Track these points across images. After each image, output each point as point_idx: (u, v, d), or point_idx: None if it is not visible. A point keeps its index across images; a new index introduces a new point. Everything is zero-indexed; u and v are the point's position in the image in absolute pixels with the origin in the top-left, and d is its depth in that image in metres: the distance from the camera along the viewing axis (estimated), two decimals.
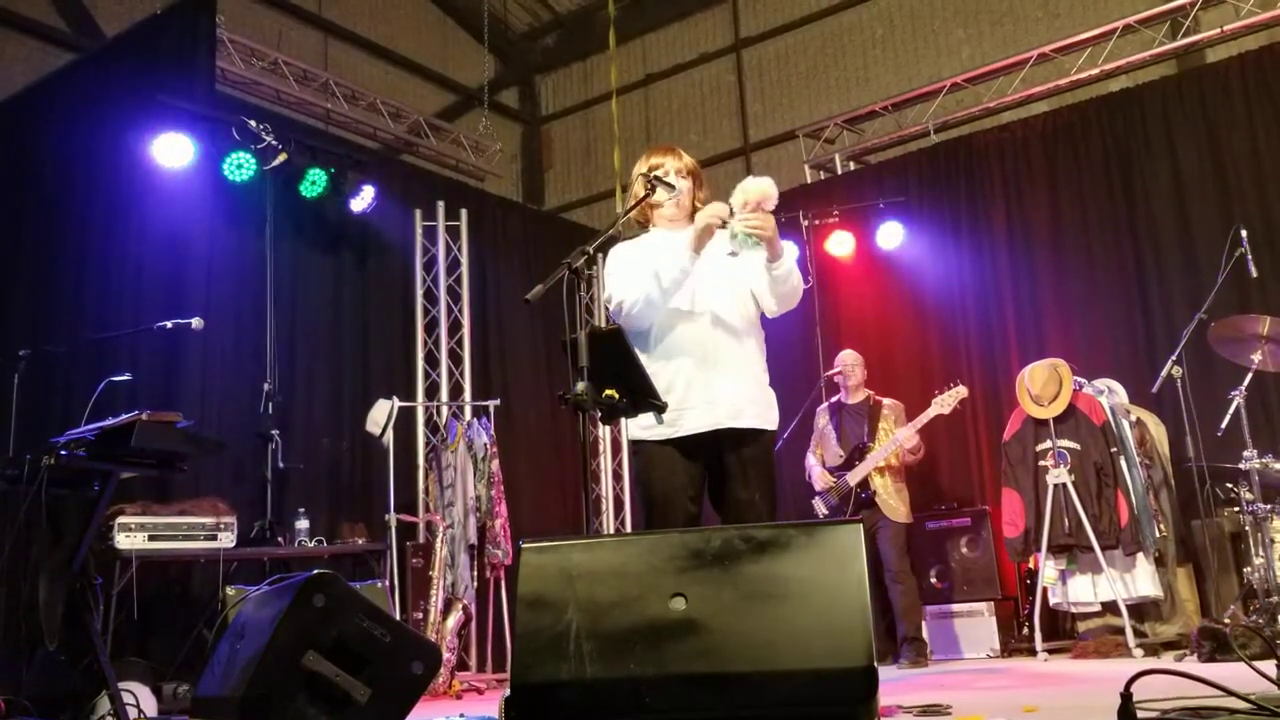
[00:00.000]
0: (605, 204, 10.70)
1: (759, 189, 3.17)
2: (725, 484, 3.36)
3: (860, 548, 2.35)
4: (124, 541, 5.21)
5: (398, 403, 6.70)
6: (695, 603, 2.34)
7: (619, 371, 3.04)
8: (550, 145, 11.57)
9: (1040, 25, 8.70)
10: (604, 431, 8.86)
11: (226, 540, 5.59)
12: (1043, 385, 6.24)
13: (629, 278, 3.32)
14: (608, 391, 3.05)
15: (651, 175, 3.44)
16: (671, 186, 3.43)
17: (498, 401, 7.31)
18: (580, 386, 2.89)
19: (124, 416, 4.09)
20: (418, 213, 7.76)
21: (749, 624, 2.29)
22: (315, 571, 3.05)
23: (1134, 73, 7.95)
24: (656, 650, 2.30)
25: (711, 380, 3.28)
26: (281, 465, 6.30)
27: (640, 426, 3.39)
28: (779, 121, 10.09)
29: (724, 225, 3.21)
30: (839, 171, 9.07)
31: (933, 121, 8.63)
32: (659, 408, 3.17)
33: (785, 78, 10.15)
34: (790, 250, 3.38)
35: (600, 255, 3.86)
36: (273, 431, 6.36)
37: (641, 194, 3.42)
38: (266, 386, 6.50)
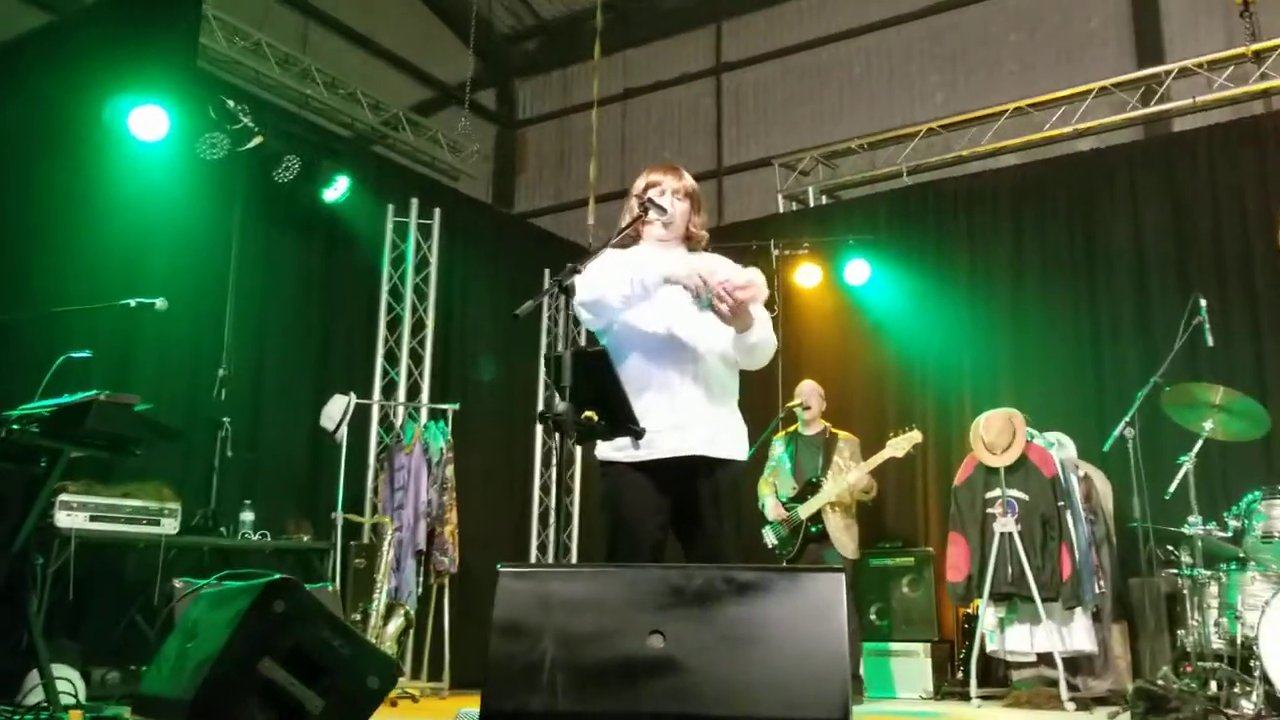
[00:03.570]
0: (575, 213, 10.66)
1: (748, 278, 3.14)
2: (697, 513, 3.29)
3: (842, 598, 2.35)
4: (64, 520, 5.07)
5: (354, 399, 6.60)
6: (673, 641, 2.31)
7: (600, 393, 3.00)
8: (524, 150, 11.52)
9: (1014, 79, 8.85)
10: (557, 441, 8.82)
11: (169, 526, 5.46)
12: (997, 433, 6.31)
13: (603, 273, 3.26)
14: (587, 413, 3.02)
15: (646, 197, 3.39)
16: (663, 209, 3.38)
17: (457, 406, 7.22)
18: (562, 406, 2.85)
19: (81, 395, 3.98)
20: (390, 207, 7.67)
21: (727, 666, 2.27)
22: (277, 576, 2.98)
23: (1104, 134, 8.11)
24: (631, 687, 2.27)
25: (688, 406, 3.23)
26: (230, 453, 6.17)
27: (613, 447, 3.32)
28: (753, 148, 10.14)
29: (696, 295, 3.16)
30: (811, 204, 9.13)
31: (905, 164, 8.72)
32: (636, 433, 3.12)
33: (762, 105, 10.21)
34: (763, 320, 3.23)
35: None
36: (224, 419, 6.23)
37: (634, 216, 3.36)
38: (221, 372, 6.38)
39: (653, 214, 3.36)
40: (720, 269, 3.35)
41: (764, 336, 3.22)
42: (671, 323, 3.28)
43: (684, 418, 3.15)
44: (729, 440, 3.29)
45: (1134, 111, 7.91)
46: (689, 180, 3.45)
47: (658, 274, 3.17)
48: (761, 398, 7.62)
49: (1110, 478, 6.53)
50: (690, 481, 3.25)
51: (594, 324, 3.29)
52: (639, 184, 3.44)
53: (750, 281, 3.13)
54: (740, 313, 3.10)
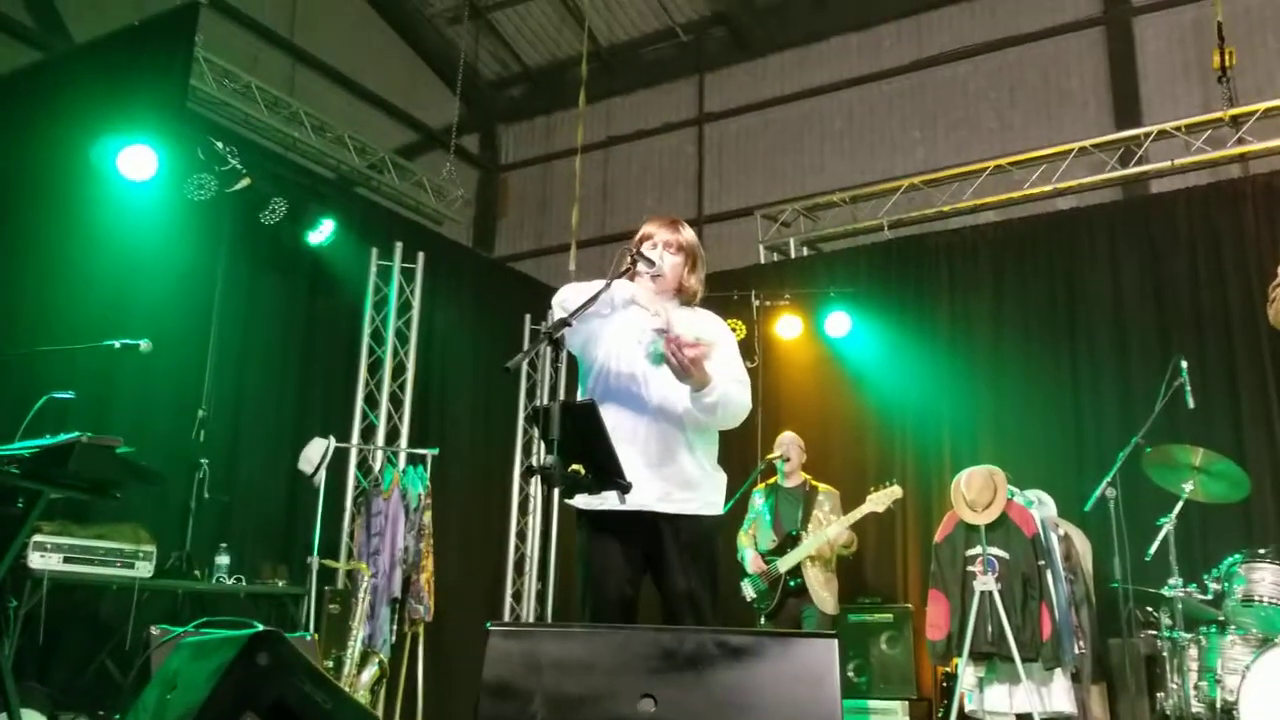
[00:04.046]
0: (556, 258, 10.70)
1: (706, 339, 3.15)
2: (663, 569, 3.29)
3: (834, 663, 2.35)
4: (38, 561, 5.00)
5: (333, 442, 6.57)
6: (665, 706, 2.31)
7: (587, 447, 3.01)
8: (506, 194, 11.58)
9: (994, 136, 8.99)
10: (534, 489, 8.79)
11: (144, 569, 5.40)
12: (978, 491, 6.33)
13: (581, 289, 3.27)
14: (574, 466, 3.02)
15: (637, 249, 3.42)
16: (651, 263, 3.39)
17: (436, 451, 7.20)
18: (549, 459, 2.86)
19: (64, 437, 3.94)
20: (374, 250, 7.69)
21: None
22: (261, 628, 2.95)
23: (1083, 193, 8.24)
24: None
25: (640, 460, 3.22)
26: (207, 495, 6.13)
27: (583, 497, 3.32)
28: (734, 198, 10.23)
29: (659, 332, 3.17)
30: (792, 255, 9.20)
31: (886, 217, 8.82)
32: (623, 487, 3.13)
33: (744, 156, 10.32)
34: (724, 384, 3.17)
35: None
36: (202, 460, 6.19)
37: (622, 267, 3.37)
38: (201, 413, 6.34)
39: (641, 266, 3.37)
40: (705, 326, 3.38)
41: (724, 397, 3.18)
42: (637, 372, 3.29)
43: (637, 472, 3.14)
44: (692, 495, 3.27)
45: (1113, 172, 8.04)
46: (686, 235, 3.46)
47: (626, 294, 3.19)
48: (741, 449, 7.63)
49: (1090, 537, 6.56)
50: (655, 536, 3.24)
51: (572, 336, 3.30)
52: (635, 237, 3.47)
53: (698, 340, 3.13)
54: (691, 370, 3.10)
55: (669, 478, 3.24)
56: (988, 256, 7.91)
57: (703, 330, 3.30)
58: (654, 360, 3.21)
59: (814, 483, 6.92)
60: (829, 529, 6.57)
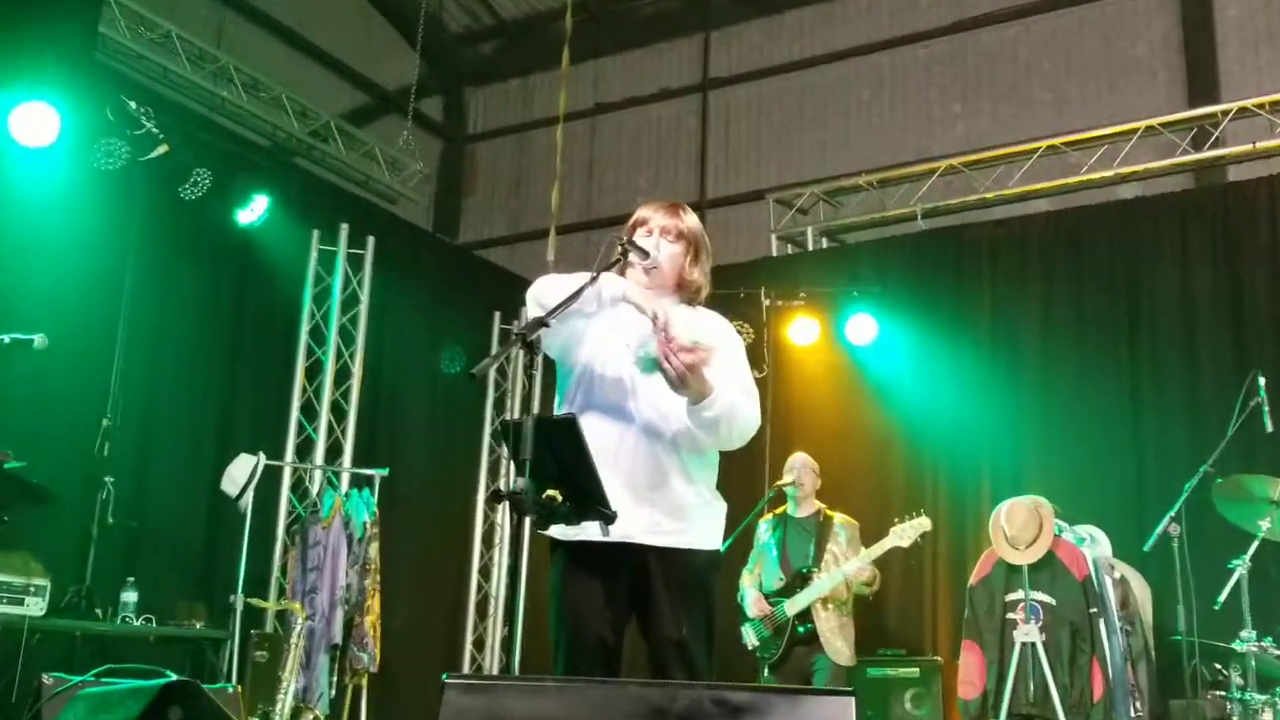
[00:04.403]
0: (532, 246, 10.72)
1: (706, 341, 3.15)
2: (649, 612, 3.28)
3: None
4: None
5: (263, 460, 6.56)
6: None
7: (566, 469, 3.02)
8: (474, 169, 11.59)
9: (1048, 111, 9.04)
10: (501, 517, 8.79)
11: (35, 607, 5.39)
12: (1021, 525, 6.35)
13: (561, 282, 3.26)
14: (550, 492, 3.03)
15: (628, 236, 3.41)
16: (645, 253, 3.38)
17: (385, 472, 7.20)
18: (520, 483, 2.87)
19: None
20: (315, 233, 7.70)
21: None
22: (173, 678, 2.95)
23: (1150, 180, 8.27)
24: None
25: (626, 484, 3.21)
26: (111, 520, 6.12)
27: (560, 526, 3.31)
28: (742, 178, 10.27)
29: (654, 326, 3.16)
30: (810, 247, 9.23)
31: (920, 205, 8.83)
32: (607, 517, 3.13)
33: (755, 130, 10.36)
34: (729, 396, 3.18)
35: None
36: (106, 478, 6.18)
37: (611, 258, 3.36)
38: (105, 422, 6.33)
39: (633, 256, 3.37)
40: (707, 328, 3.38)
41: (729, 411, 3.18)
42: (625, 381, 3.29)
43: (623, 499, 3.13)
44: (685, 527, 3.26)
45: (1185, 156, 8.07)
46: (688, 221, 3.45)
47: (616, 290, 3.19)
48: (745, 473, 7.64)
49: (1150, 581, 6.57)
50: (641, 574, 3.24)
51: (549, 338, 3.29)
52: (629, 223, 3.47)
53: (698, 343, 3.14)
54: (687, 379, 3.10)
55: (660, 506, 3.24)
56: (1037, 252, 7.94)
57: (704, 333, 3.30)
58: (644, 367, 3.21)
59: (829, 513, 6.93)
60: (846, 566, 6.58)
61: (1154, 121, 8.17)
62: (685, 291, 3.45)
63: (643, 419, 3.25)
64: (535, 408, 9.02)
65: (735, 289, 8.17)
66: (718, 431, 3.21)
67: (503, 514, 8.83)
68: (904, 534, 6.58)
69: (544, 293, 3.20)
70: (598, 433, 3.18)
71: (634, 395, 3.27)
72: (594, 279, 3.17)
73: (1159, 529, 5.48)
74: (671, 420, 3.24)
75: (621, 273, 3.35)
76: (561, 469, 2.97)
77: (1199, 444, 6.50)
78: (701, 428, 3.20)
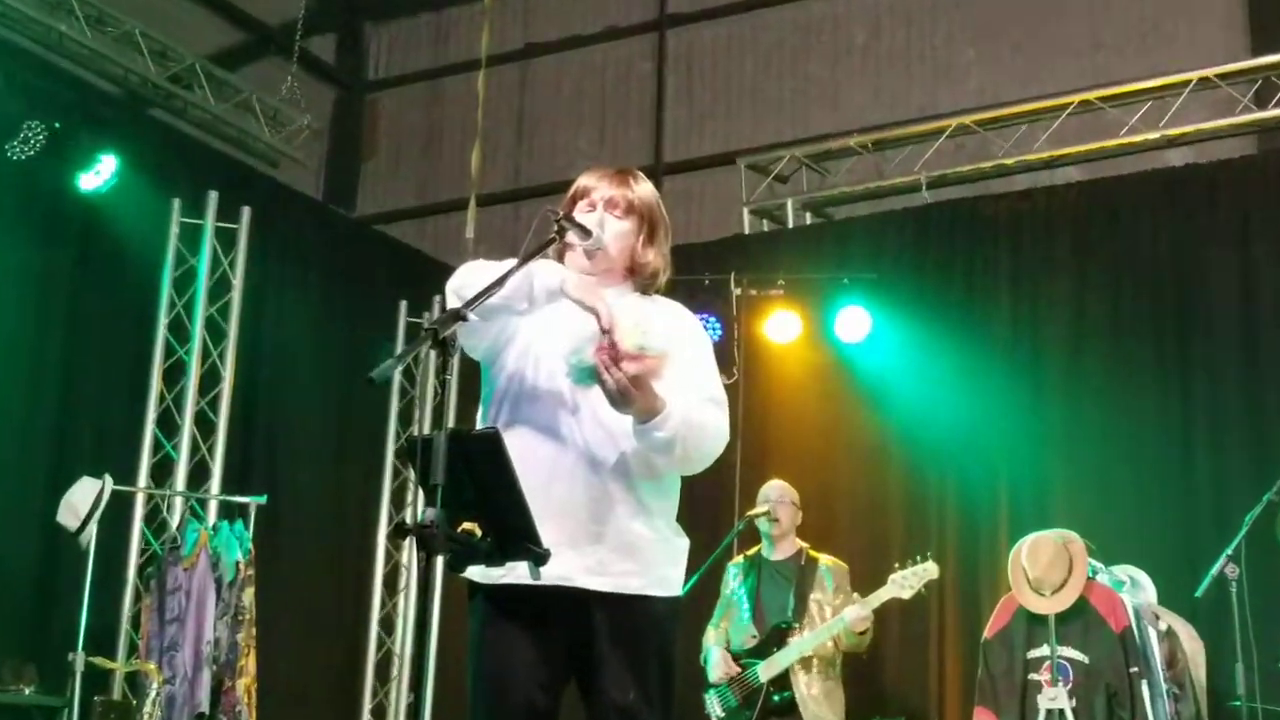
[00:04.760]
0: (448, 220, 10.69)
1: (657, 347, 3.14)
2: (592, 673, 3.28)
3: None
4: None
5: (110, 485, 6.51)
6: None
7: (488, 496, 3.02)
8: (375, 125, 11.54)
9: (1081, 60, 9.07)
10: (408, 556, 8.77)
11: None
12: (1047, 566, 6.39)
13: (490, 270, 3.25)
14: (467, 525, 3.04)
15: (567, 211, 3.41)
16: (586, 232, 3.38)
17: (263, 500, 7.16)
18: (430, 514, 2.87)
19: None
20: (175, 203, 7.65)
21: None
22: None
23: (1203, 143, 8.34)
24: None
25: (561, 515, 3.23)
26: None
27: (482, 568, 3.31)
28: (708, 138, 10.28)
29: (599, 327, 3.16)
30: (790, 223, 9.26)
31: (925, 172, 8.87)
32: (538, 556, 3.13)
33: (724, 78, 10.37)
34: (685, 410, 3.16)
35: None
36: None
37: (545, 237, 3.36)
38: None
39: (572, 236, 3.37)
40: (668, 323, 3.39)
41: (686, 428, 3.16)
42: (563, 391, 3.29)
43: (560, 533, 3.14)
44: (636, 568, 3.24)
45: (1246, 114, 8.15)
46: (640, 191, 3.43)
47: (551, 279, 3.19)
48: (709, 503, 7.67)
49: (1202, 634, 6.63)
50: (581, 625, 3.23)
51: (470, 338, 3.29)
52: (566, 195, 3.47)
53: (643, 349, 3.13)
54: (630, 395, 3.10)
55: (605, 542, 3.23)
56: (1067, 230, 8.01)
57: (655, 332, 3.30)
58: (578, 379, 3.21)
59: (813, 553, 6.95)
60: (846, 612, 6.59)
61: (1209, 72, 8.21)
62: (638, 278, 3.44)
63: (584, 437, 3.25)
64: (450, 421, 9.02)
65: (699, 274, 8.19)
66: (673, 453, 3.20)
67: (409, 552, 8.79)
68: (905, 583, 6.58)
69: (466, 283, 3.20)
70: (529, 453, 3.17)
71: (573, 408, 3.27)
72: (521, 265, 3.17)
73: (1213, 570, 5.54)
74: (620, 438, 3.23)
75: (559, 257, 3.35)
76: (482, 496, 2.96)
77: (1262, 467, 6.58)
78: (654, 450, 3.20)
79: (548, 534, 2.99)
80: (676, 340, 3.30)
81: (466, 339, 3.26)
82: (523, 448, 3.13)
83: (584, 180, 3.46)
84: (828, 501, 7.90)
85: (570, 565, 3.15)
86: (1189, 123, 8.26)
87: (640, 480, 3.28)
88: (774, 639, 6.70)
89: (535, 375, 3.30)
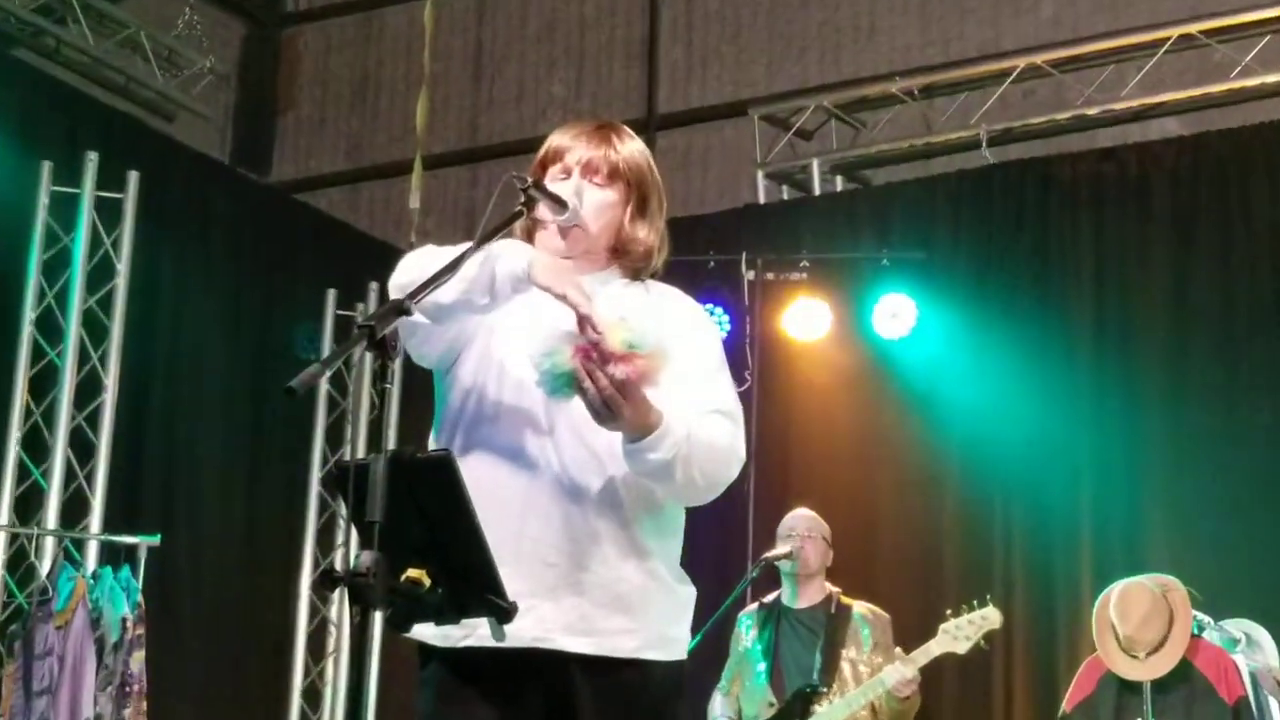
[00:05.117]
0: (386, 188, 10.70)
1: (650, 344, 3.09)
2: None
3: None
4: None
5: None
6: None
7: (439, 535, 3.00)
8: (295, 69, 11.51)
9: None
10: (338, 611, 8.74)
11: None
12: (1141, 621, 6.38)
13: (434, 254, 3.21)
14: (411, 573, 3.00)
15: (536, 178, 3.37)
16: (561, 203, 3.36)
17: (156, 540, 7.13)
18: (366, 559, 2.83)
19: None
20: (46, 167, 7.61)
21: None
22: None
23: None
24: None
25: (547, 554, 3.21)
26: None
27: (423, 625, 3.28)
28: (713, 84, 10.25)
29: (579, 324, 3.11)
30: (816, 190, 9.25)
31: (985, 126, 8.87)
32: (502, 610, 3.10)
33: (733, 8, 10.35)
34: (684, 425, 3.13)
35: None
36: None
37: (512, 210, 3.32)
38: None
39: (542, 208, 3.34)
40: (668, 317, 3.35)
41: (689, 447, 3.14)
42: (534, 406, 3.26)
43: (531, 580, 3.12)
44: (630, 624, 3.23)
45: None
46: (627, 150, 3.40)
47: (516, 264, 3.14)
48: (717, 540, 7.65)
49: None
50: (561, 698, 3.22)
51: (412, 338, 3.25)
52: (534, 159, 3.43)
53: (633, 348, 3.08)
54: (618, 407, 3.06)
55: (590, 592, 3.20)
56: (1167, 197, 8.01)
57: (658, 322, 3.27)
58: (551, 388, 3.16)
59: (845, 599, 6.96)
60: (884, 674, 6.59)
61: None
62: (627, 260, 3.42)
63: (562, 461, 3.22)
64: (390, 441, 8.94)
65: (703, 255, 8.17)
66: (673, 479, 3.17)
67: (339, 606, 8.76)
68: (960, 634, 6.60)
69: (412, 276, 3.16)
70: (494, 484, 3.16)
71: (548, 426, 3.24)
72: (479, 246, 3.13)
73: None
74: (608, 462, 3.21)
75: (528, 236, 3.32)
76: (432, 536, 2.95)
77: None
78: (649, 476, 3.18)
79: (518, 583, 2.97)
80: (676, 336, 3.26)
81: (413, 344, 3.26)
82: (486, 477, 3.13)
83: (557, 139, 3.43)
84: (865, 535, 7.89)
85: (547, 622, 3.14)
86: None
87: (634, 514, 3.26)
88: (797, 707, 6.71)
89: (500, 387, 3.27)
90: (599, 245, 3.37)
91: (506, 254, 3.12)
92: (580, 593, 3.18)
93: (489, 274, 3.09)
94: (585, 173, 3.36)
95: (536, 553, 3.16)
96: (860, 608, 6.92)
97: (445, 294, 3.04)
